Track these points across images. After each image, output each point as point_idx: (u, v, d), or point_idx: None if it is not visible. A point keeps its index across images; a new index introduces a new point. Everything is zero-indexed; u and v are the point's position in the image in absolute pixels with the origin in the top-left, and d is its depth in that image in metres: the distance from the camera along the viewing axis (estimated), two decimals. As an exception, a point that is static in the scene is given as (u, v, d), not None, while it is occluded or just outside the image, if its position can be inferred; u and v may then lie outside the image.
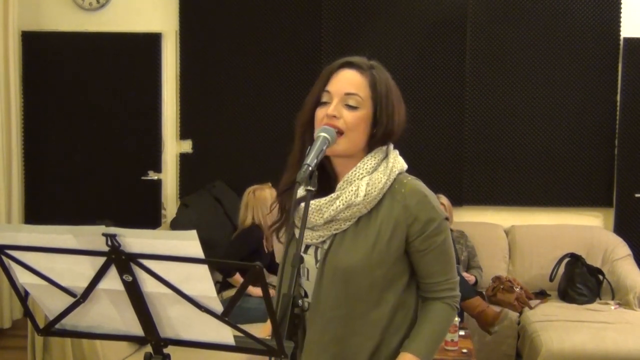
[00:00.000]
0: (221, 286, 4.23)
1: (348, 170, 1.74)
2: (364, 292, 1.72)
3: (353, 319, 1.73)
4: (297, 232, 1.69)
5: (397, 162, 1.77)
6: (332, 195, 1.71)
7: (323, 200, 1.71)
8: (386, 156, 1.77)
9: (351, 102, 1.70)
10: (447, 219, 1.78)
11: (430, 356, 1.76)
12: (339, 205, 1.69)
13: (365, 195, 1.69)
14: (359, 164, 1.73)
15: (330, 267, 1.71)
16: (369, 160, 1.74)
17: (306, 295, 1.79)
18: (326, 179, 1.79)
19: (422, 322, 1.78)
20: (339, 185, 1.73)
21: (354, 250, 1.70)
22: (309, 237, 1.75)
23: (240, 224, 4.36)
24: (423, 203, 1.72)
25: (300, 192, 1.65)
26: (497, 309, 4.21)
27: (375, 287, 1.72)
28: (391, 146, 1.80)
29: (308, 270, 1.78)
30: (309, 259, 1.78)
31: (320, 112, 1.72)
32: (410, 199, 1.72)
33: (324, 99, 1.73)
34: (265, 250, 4.32)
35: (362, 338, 1.74)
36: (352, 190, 1.69)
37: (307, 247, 1.78)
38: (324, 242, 1.75)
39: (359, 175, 1.72)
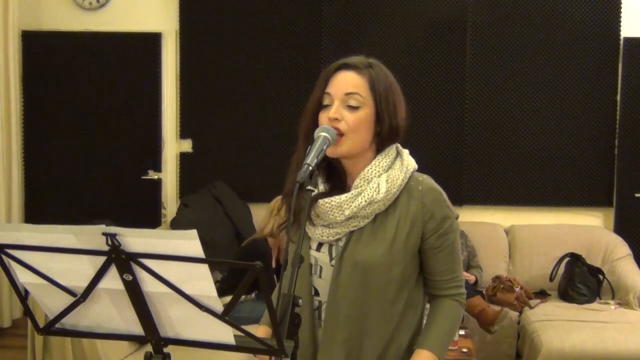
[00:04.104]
0: (223, 290, 4.15)
1: (358, 168, 1.75)
2: (381, 289, 1.73)
3: (369, 317, 1.74)
4: (307, 230, 1.70)
5: (411, 161, 1.79)
6: (353, 192, 1.72)
7: (344, 197, 1.71)
8: (398, 154, 1.79)
9: (352, 103, 1.70)
10: (456, 217, 1.80)
11: (444, 352, 1.77)
12: (361, 202, 1.69)
13: (386, 192, 1.70)
14: (374, 162, 1.74)
15: (349, 263, 1.72)
16: (384, 159, 1.75)
17: (317, 294, 1.79)
18: (336, 177, 1.80)
19: (434, 319, 1.80)
20: (355, 183, 1.74)
21: (374, 247, 1.71)
22: (324, 234, 1.75)
23: (259, 229, 4.24)
24: (439, 201, 1.75)
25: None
26: (497, 308, 4.21)
27: (392, 284, 1.73)
28: (399, 145, 1.81)
29: (321, 268, 1.78)
30: (323, 256, 1.78)
31: (323, 116, 1.72)
32: (428, 196, 1.74)
33: (326, 101, 1.73)
34: (273, 264, 4.15)
35: (376, 336, 1.75)
36: (373, 187, 1.70)
37: (320, 245, 1.79)
38: (338, 239, 1.75)
39: (376, 173, 1.73)
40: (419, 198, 1.73)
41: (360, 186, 1.72)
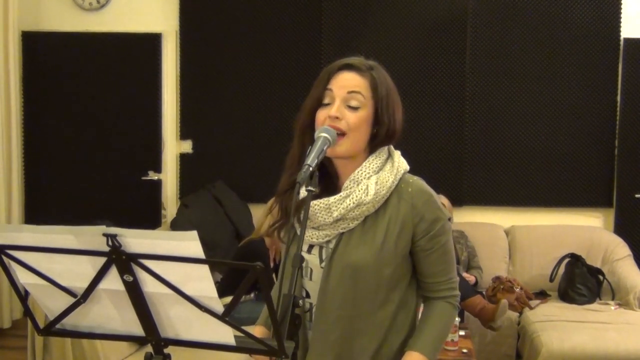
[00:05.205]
0: (222, 290, 4.11)
1: (350, 170, 1.75)
2: (371, 291, 1.72)
3: (359, 319, 1.73)
4: (298, 231, 1.70)
5: (402, 162, 1.78)
6: (341, 194, 1.71)
7: (332, 199, 1.70)
8: (389, 156, 1.79)
9: (353, 103, 1.70)
10: (449, 219, 1.79)
11: (435, 354, 1.77)
12: (350, 204, 1.69)
13: (375, 194, 1.69)
14: (364, 164, 1.74)
15: (339, 265, 1.71)
16: (374, 160, 1.75)
17: (308, 296, 1.79)
18: (327, 179, 1.79)
19: (426, 321, 1.79)
20: (345, 185, 1.73)
21: (363, 249, 1.71)
22: (314, 236, 1.75)
23: (256, 229, 4.25)
24: (429, 203, 1.74)
25: (302, 192, 1.65)
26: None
27: (382, 286, 1.73)
28: (391, 147, 1.81)
29: (312, 270, 1.78)
30: (313, 258, 1.77)
31: (321, 114, 1.72)
32: (417, 198, 1.73)
33: (326, 99, 1.73)
34: (271, 264, 4.15)
35: (367, 338, 1.74)
36: (361, 189, 1.70)
37: (311, 247, 1.78)
38: (329, 241, 1.75)
39: (366, 175, 1.72)
40: (408, 200, 1.72)
41: (350, 188, 1.72)
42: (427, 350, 1.74)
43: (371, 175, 1.72)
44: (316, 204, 1.70)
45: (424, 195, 1.74)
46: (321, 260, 1.76)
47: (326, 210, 1.70)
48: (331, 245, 1.75)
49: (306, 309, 1.78)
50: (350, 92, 1.70)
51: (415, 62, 5.04)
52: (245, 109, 5.26)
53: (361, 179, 1.72)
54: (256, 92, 5.24)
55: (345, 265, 1.71)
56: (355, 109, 1.70)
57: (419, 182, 1.77)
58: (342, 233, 1.73)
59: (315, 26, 5.15)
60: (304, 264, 1.78)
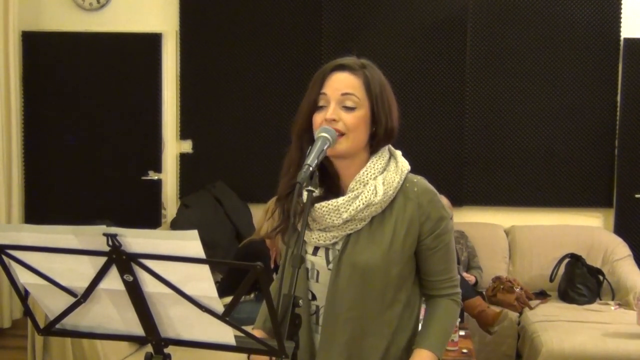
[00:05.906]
0: (222, 290, 4.09)
1: (352, 170, 1.74)
2: (380, 291, 1.72)
3: (368, 320, 1.73)
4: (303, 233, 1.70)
5: (404, 162, 1.79)
6: (349, 195, 1.71)
7: (340, 200, 1.70)
8: (391, 156, 1.79)
9: (348, 103, 1.70)
10: (450, 218, 1.80)
11: (442, 351, 1.78)
12: (359, 205, 1.69)
13: (383, 194, 1.70)
14: (368, 164, 1.74)
15: (347, 266, 1.71)
16: (378, 161, 1.75)
17: (314, 298, 1.78)
18: (329, 180, 1.79)
19: (431, 319, 1.80)
20: (351, 186, 1.73)
21: (372, 249, 1.71)
22: (320, 238, 1.74)
23: (256, 230, 4.25)
24: (434, 202, 1.75)
25: (304, 194, 1.64)
26: (497, 309, 4.20)
27: (390, 286, 1.73)
28: (391, 147, 1.81)
29: (318, 272, 1.77)
30: (320, 260, 1.77)
31: (318, 117, 1.71)
32: (423, 197, 1.74)
33: (321, 102, 1.72)
34: (272, 265, 4.14)
35: (376, 338, 1.74)
36: (370, 190, 1.70)
37: (317, 248, 1.78)
38: (335, 243, 1.74)
39: (371, 175, 1.72)
40: (414, 199, 1.73)
41: (357, 189, 1.72)
42: (434, 347, 1.75)
43: (377, 176, 1.72)
44: (324, 206, 1.70)
45: (429, 194, 1.75)
46: (328, 262, 1.75)
47: (335, 212, 1.70)
48: (338, 247, 1.74)
49: (312, 311, 1.78)
50: (344, 94, 1.70)
51: (416, 62, 5.04)
52: (245, 109, 5.26)
53: (367, 180, 1.72)
54: (256, 92, 5.24)
55: (354, 266, 1.71)
56: (351, 109, 1.70)
57: (422, 181, 1.78)
58: (349, 234, 1.73)
59: (315, 26, 5.15)
60: (309, 266, 1.78)
